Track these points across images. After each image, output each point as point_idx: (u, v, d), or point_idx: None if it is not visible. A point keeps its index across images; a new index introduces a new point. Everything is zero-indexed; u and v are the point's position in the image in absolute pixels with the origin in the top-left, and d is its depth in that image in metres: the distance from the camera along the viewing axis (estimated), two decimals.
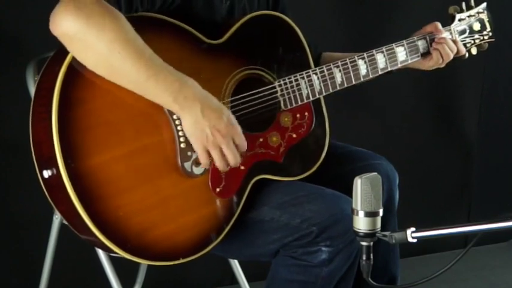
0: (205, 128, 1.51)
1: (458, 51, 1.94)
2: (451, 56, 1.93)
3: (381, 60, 1.86)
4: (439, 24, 1.95)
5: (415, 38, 1.92)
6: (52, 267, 2.03)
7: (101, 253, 1.87)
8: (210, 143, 1.53)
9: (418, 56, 1.92)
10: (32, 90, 1.83)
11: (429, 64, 1.94)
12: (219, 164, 1.56)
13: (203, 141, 1.53)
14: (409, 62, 1.91)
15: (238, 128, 1.56)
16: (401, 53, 1.89)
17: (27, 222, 2.41)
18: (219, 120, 1.52)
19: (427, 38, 1.93)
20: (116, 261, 1.87)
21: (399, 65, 1.90)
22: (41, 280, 2.06)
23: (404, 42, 1.89)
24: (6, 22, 2.32)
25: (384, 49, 1.86)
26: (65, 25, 1.43)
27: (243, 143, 1.57)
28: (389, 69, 1.88)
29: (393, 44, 1.88)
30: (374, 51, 1.84)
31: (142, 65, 1.45)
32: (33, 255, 2.21)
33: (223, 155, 1.55)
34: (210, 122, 1.51)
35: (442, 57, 1.91)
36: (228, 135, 1.54)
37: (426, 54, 1.93)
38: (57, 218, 1.96)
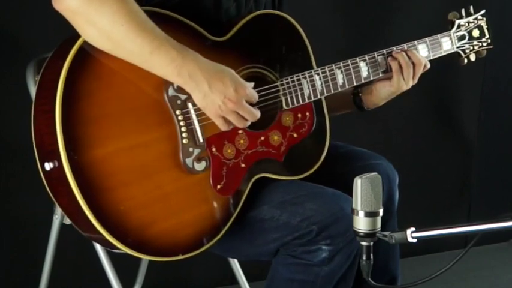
0: (216, 100, 1.54)
1: (415, 65, 1.82)
2: (410, 70, 1.82)
3: (382, 63, 1.85)
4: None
5: (415, 42, 1.89)
6: (52, 267, 2.02)
7: (101, 253, 1.86)
8: (224, 111, 1.55)
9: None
10: (32, 90, 1.83)
11: (393, 83, 1.83)
12: (238, 124, 1.58)
13: (217, 111, 1.55)
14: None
15: (246, 87, 1.57)
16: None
17: (27, 222, 2.41)
18: (227, 89, 1.53)
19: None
20: (116, 261, 1.87)
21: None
22: (41, 280, 2.05)
23: (405, 46, 1.88)
24: (6, 22, 2.33)
25: (384, 52, 1.86)
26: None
27: (254, 96, 1.59)
28: (389, 71, 1.86)
29: (394, 48, 1.87)
30: (375, 54, 1.84)
31: (146, 38, 1.46)
32: (33, 255, 2.21)
33: (240, 117, 1.57)
34: (220, 93, 1.53)
35: (402, 72, 1.82)
36: (239, 99, 1.55)
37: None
38: (57, 218, 1.95)
